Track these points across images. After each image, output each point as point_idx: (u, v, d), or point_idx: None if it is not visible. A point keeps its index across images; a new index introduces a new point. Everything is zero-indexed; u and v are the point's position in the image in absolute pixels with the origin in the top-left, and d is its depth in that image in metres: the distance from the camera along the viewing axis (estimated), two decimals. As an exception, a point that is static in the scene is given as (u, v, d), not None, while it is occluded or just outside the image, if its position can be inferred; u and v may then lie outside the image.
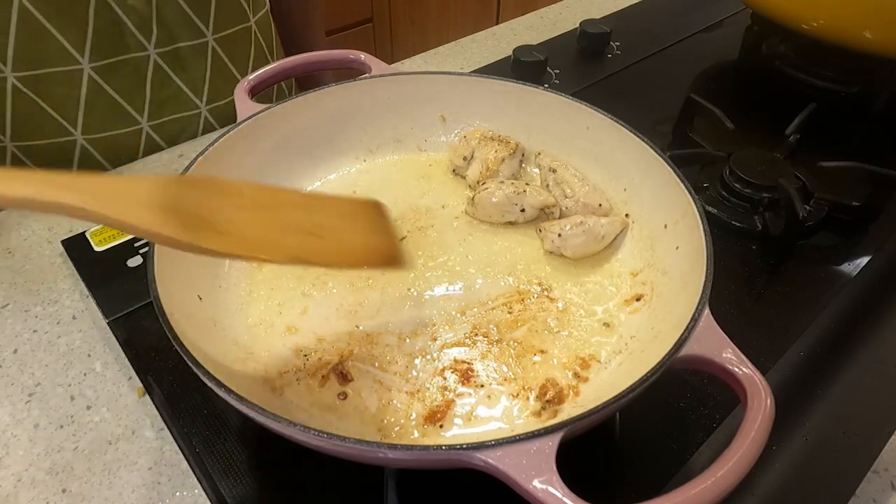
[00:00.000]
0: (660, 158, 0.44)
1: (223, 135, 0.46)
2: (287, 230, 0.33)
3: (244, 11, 0.69)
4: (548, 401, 0.36)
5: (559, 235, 0.45)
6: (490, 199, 0.47)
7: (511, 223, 0.48)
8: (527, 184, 0.49)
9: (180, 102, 0.67)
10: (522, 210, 0.47)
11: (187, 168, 0.42)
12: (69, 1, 0.55)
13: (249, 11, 0.70)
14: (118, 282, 0.47)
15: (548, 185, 0.50)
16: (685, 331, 0.32)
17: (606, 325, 0.41)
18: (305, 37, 0.86)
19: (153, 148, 0.67)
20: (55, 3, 0.55)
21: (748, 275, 0.50)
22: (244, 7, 0.69)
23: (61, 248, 0.51)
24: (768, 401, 0.29)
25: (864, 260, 0.51)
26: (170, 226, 0.29)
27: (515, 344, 0.40)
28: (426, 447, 0.28)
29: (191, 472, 0.37)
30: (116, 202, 0.28)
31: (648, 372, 0.30)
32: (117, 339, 0.44)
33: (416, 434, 0.35)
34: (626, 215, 0.47)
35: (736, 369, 0.30)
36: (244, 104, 0.49)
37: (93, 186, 0.28)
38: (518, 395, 0.37)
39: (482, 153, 0.51)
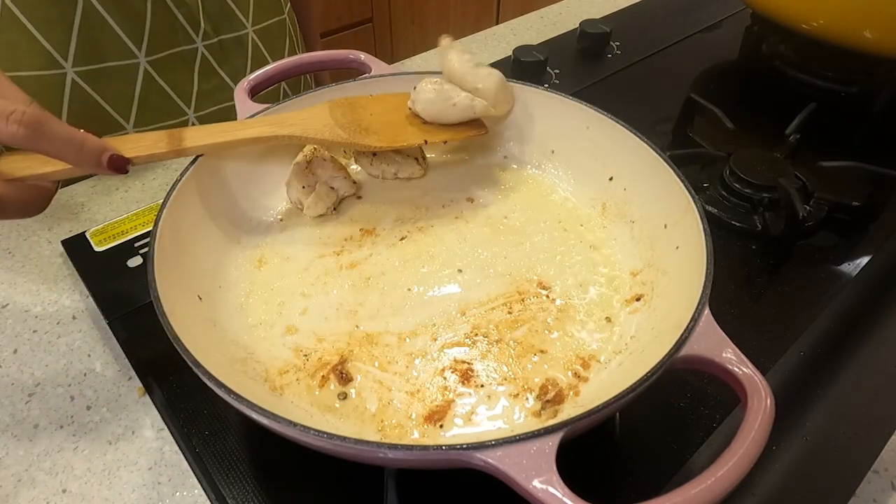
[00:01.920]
0: (660, 158, 0.44)
1: (223, 135, 0.46)
2: (405, 125, 0.48)
3: (279, 3, 0.71)
4: (548, 401, 0.36)
5: (414, 88, 0.48)
6: (425, 95, 0.47)
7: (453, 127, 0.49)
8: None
9: (224, 93, 0.68)
10: (454, 104, 0.47)
11: (188, 167, 0.42)
12: None
13: (283, 3, 0.72)
14: (118, 282, 0.47)
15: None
16: (685, 331, 0.32)
17: (606, 324, 0.41)
18: (303, 36, 0.86)
19: None
20: None
21: (748, 275, 0.50)
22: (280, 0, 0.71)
23: (61, 248, 0.51)
24: (768, 401, 0.29)
25: (864, 260, 0.51)
26: (346, 134, 0.45)
27: (515, 344, 0.40)
28: (426, 447, 0.28)
29: (191, 472, 0.37)
30: (315, 128, 0.44)
31: (648, 372, 0.30)
32: (117, 339, 0.44)
33: (416, 434, 0.35)
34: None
35: (736, 369, 0.30)
36: (244, 104, 0.49)
37: (296, 121, 0.45)
38: (518, 395, 0.37)
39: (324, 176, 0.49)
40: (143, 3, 0.58)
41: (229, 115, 0.70)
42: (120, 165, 0.36)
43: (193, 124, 0.67)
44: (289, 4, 0.75)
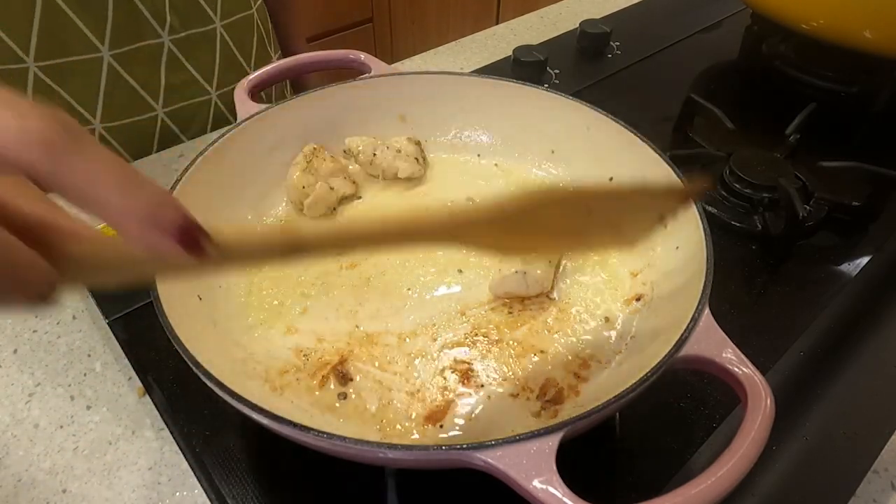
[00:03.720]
0: (660, 158, 0.44)
1: (223, 135, 0.46)
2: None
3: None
4: (548, 401, 0.36)
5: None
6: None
7: None
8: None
9: (193, 89, 0.68)
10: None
11: (188, 167, 0.42)
12: None
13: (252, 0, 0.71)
14: (118, 282, 0.47)
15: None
16: (685, 331, 0.32)
17: (606, 324, 0.41)
18: (287, 40, 0.85)
19: (168, 134, 0.68)
20: None
21: (748, 275, 0.50)
22: None
23: (61, 248, 0.51)
24: (768, 401, 0.29)
25: (864, 260, 0.51)
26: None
27: (515, 344, 0.40)
28: (426, 447, 0.28)
29: (191, 472, 0.37)
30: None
31: (648, 372, 0.30)
32: (117, 339, 0.44)
33: (416, 434, 0.35)
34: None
35: (736, 369, 0.30)
36: (244, 104, 0.49)
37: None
38: (518, 395, 0.37)
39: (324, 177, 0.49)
40: None
41: (199, 110, 0.69)
42: (192, 238, 0.20)
43: (163, 120, 0.67)
44: (259, 1, 0.74)
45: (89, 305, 0.47)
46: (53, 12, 0.55)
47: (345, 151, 0.53)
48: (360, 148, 0.52)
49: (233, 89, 0.70)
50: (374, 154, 0.51)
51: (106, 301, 0.46)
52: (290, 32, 0.85)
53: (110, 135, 0.64)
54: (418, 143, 0.53)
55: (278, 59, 0.80)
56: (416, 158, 0.52)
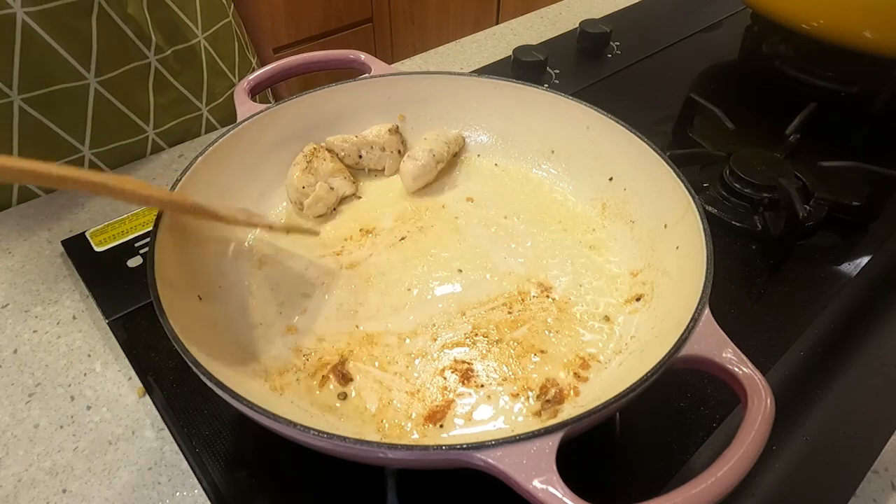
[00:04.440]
0: (660, 158, 0.44)
1: (223, 135, 0.46)
2: None
3: (223, 6, 0.70)
4: (548, 401, 0.36)
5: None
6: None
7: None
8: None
9: (182, 106, 0.67)
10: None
11: (187, 168, 0.42)
12: (71, 15, 0.54)
13: (227, 4, 0.71)
14: (118, 282, 0.47)
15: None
16: (685, 331, 0.32)
17: (606, 324, 0.41)
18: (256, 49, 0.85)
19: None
20: (56, 19, 0.54)
21: (748, 275, 0.50)
22: (223, 2, 0.70)
23: (61, 248, 0.51)
24: (768, 401, 0.29)
25: (864, 260, 0.51)
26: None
27: (515, 344, 0.40)
28: (426, 447, 0.28)
29: (191, 472, 0.37)
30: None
31: (648, 372, 0.30)
32: (117, 339, 0.44)
33: (416, 434, 0.35)
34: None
35: (736, 369, 0.30)
36: (244, 104, 0.49)
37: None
38: (518, 395, 0.37)
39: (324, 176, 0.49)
40: (88, 22, 0.55)
41: (190, 128, 0.68)
42: None
43: (154, 141, 0.65)
44: (232, 6, 0.73)
45: (89, 305, 0.47)
46: (34, 43, 0.53)
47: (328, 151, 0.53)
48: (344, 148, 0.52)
49: (222, 102, 0.70)
50: (360, 156, 0.52)
51: (106, 301, 0.46)
52: (257, 42, 0.84)
53: (101, 160, 0.62)
54: (398, 131, 0.53)
55: (257, 64, 0.79)
56: (398, 151, 0.52)
